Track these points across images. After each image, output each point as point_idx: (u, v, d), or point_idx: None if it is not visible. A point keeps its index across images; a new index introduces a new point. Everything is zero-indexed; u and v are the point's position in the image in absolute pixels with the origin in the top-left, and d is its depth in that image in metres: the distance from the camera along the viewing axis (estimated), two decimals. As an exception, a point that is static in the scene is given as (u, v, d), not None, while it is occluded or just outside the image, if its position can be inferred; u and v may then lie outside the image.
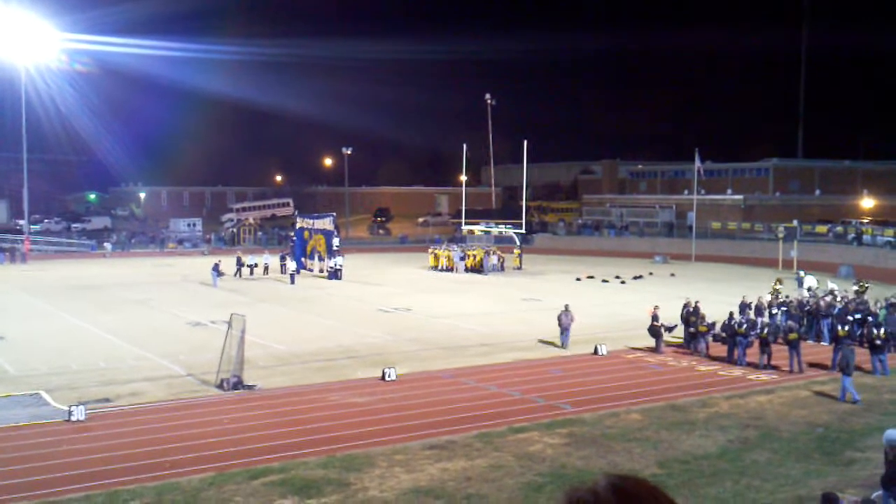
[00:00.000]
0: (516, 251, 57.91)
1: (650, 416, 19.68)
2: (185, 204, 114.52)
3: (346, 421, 19.08)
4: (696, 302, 28.92)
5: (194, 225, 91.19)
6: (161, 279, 50.83)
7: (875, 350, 24.38)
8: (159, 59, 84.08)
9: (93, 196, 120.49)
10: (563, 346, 28.62)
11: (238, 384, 22.01)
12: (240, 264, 51.35)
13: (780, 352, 25.47)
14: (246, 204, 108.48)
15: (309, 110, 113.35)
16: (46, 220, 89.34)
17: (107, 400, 20.91)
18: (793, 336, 24.69)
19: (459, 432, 18.22)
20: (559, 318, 29.04)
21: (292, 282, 47.97)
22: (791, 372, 24.20)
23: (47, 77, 71.42)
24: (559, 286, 43.33)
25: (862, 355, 25.85)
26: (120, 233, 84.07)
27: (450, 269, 56.00)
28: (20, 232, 72.20)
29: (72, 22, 71.73)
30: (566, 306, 29.44)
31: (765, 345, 25.28)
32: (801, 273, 42.23)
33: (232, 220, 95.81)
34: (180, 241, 79.88)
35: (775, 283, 37.53)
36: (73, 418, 18.72)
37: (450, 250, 58.04)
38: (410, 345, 29.04)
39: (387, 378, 23.03)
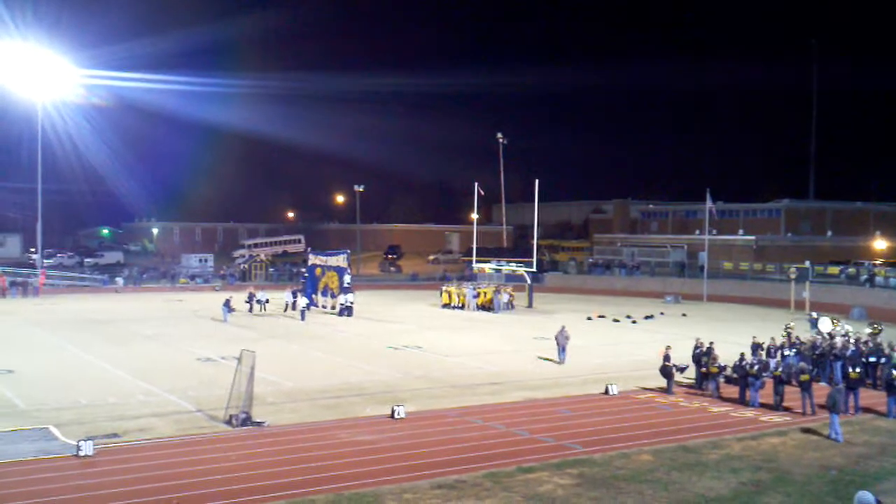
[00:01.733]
0: (508, 289, 57.60)
1: (661, 457, 19.49)
2: (197, 240, 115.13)
3: (355, 459, 18.95)
4: (710, 343, 28.76)
5: (206, 260, 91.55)
6: (172, 314, 50.91)
7: (891, 392, 24.14)
8: (174, 94, 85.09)
9: (106, 231, 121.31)
10: (561, 361, 33.72)
11: (247, 420, 21.93)
12: (251, 299, 51.38)
13: (792, 393, 25.25)
14: (258, 240, 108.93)
15: (321, 145, 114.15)
16: (59, 255, 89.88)
17: (115, 435, 20.86)
18: (804, 378, 24.49)
19: (468, 472, 18.07)
20: (556, 338, 34.30)
21: (303, 318, 47.94)
22: (804, 414, 23.97)
23: (63, 112, 72.27)
24: (570, 325, 43.02)
25: (876, 398, 25.64)
26: (132, 268, 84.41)
27: (461, 307, 55.93)
28: (33, 266, 72.57)
29: (88, 57, 72.68)
30: (563, 327, 34.84)
31: (778, 385, 25.09)
32: (815, 315, 41.96)
33: (243, 256, 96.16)
34: (192, 277, 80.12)
35: (788, 325, 37.29)
36: (81, 453, 18.66)
37: (462, 288, 58.02)
38: (419, 382, 28.92)
39: (395, 416, 22.91)
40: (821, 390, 26.35)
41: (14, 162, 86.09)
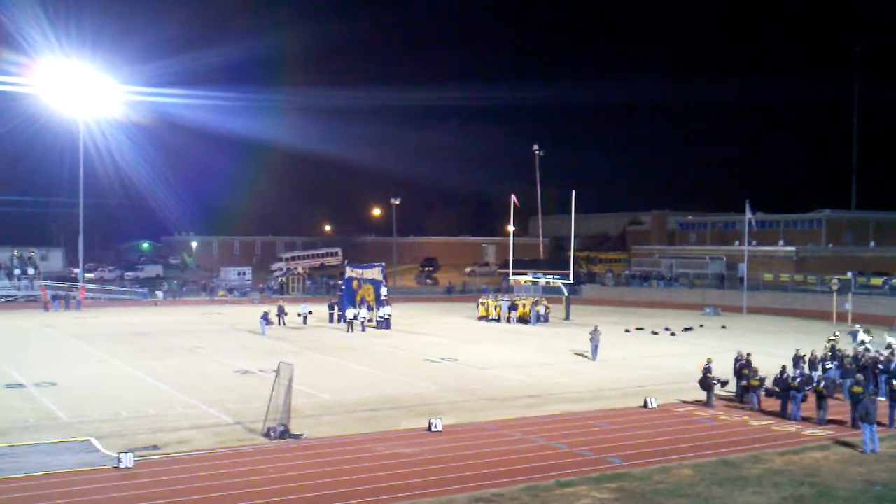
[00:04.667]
0: (544, 301, 57.35)
1: (702, 471, 19.23)
2: (236, 253, 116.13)
3: (392, 472, 18.92)
4: (749, 355, 28.39)
5: (244, 274, 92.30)
6: (211, 327, 51.33)
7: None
8: (213, 108, 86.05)
9: (146, 245, 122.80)
10: (593, 359, 37.42)
11: (284, 433, 22.01)
12: (280, 313, 51.64)
13: (835, 406, 24.80)
14: (295, 253, 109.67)
15: (358, 159, 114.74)
16: (100, 269, 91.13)
17: (155, 447, 21.03)
18: (857, 390, 23.97)
19: (506, 485, 17.95)
20: (590, 337, 38.04)
21: (350, 329, 48.47)
22: (853, 427, 23.45)
23: (104, 127, 73.33)
24: (608, 337, 42.74)
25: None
26: (171, 281, 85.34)
27: (497, 320, 55.79)
28: (74, 280, 73.62)
29: (129, 74, 73.77)
30: (595, 327, 38.62)
31: (821, 399, 24.67)
32: (857, 327, 41.27)
33: (281, 270, 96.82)
34: (230, 290, 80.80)
35: (831, 337, 36.70)
36: (122, 466, 18.83)
37: (498, 300, 57.89)
38: (456, 395, 28.85)
39: (433, 429, 22.87)
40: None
41: (56, 178, 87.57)
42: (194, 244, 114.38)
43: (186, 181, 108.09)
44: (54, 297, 64.71)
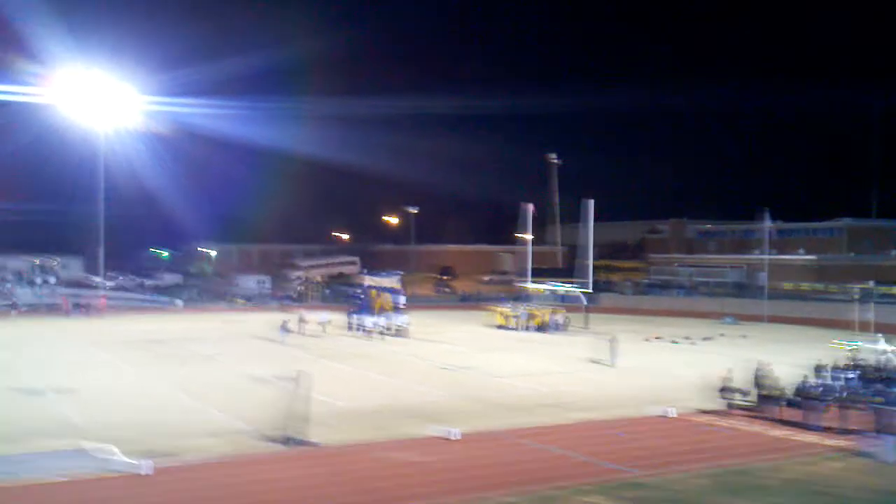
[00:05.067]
0: (562, 310, 57.25)
1: (719, 481, 19.09)
2: (254, 261, 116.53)
3: (407, 480, 18.91)
4: (769, 364, 28.18)
5: (263, 282, 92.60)
6: (229, 335, 51.53)
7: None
8: (232, 118, 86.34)
9: (165, 253, 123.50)
10: (613, 365, 38.25)
11: (301, 441, 22.04)
12: (302, 321, 51.79)
13: (855, 416, 24.57)
14: (313, 262, 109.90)
15: (376, 167, 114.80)
16: (120, 277, 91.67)
17: (172, 454, 21.10)
18: (878, 400, 23.76)
19: (522, 494, 17.89)
20: (609, 343, 39.27)
21: (368, 337, 48.60)
22: (874, 437, 23.20)
23: (124, 136, 73.84)
24: (626, 346, 42.63)
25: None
26: (191, 289, 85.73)
27: (515, 328, 55.68)
28: (94, 287, 74.13)
29: (149, 83, 74.26)
30: (613, 335, 40.37)
31: (842, 409, 24.45)
32: (877, 336, 40.88)
33: (300, 278, 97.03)
34: (249, 298, 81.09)
35: (852, 347, 36.37)
36: (140, 472, 18.91)
37: (514, 309, 57.81)
38: (473, 404, 28.80)
39: (449, 437, 22.83)
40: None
41: (77, 187, 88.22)
42: (214, 252, 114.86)
43: (206, 190, 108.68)
44: (74, 305, 65.18)
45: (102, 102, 65.87)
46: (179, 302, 75.72)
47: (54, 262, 78.89)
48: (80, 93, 64.69)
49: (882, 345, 34.83)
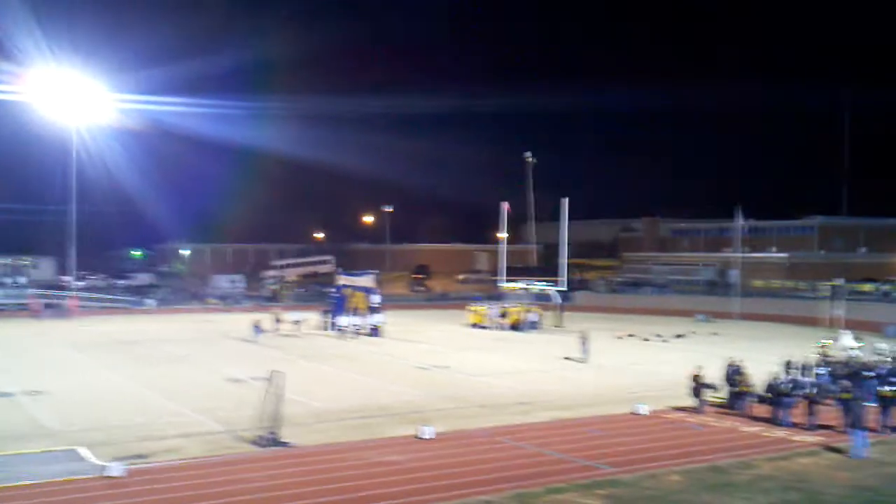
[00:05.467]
0: (536, 308, 57.47)
1: (691, 477, 19.25)
2: (228, 261, 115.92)
3: (382, 480, 18.90)
4: (740, 361, 28.44)
5: (236, 282, 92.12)
6: (202, 335, 51.25)
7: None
8: (205, 116, 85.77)
9: (138, 253, 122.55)
10: (585, 361, 39.13)
11: (275, 441, 21.97)
12: (277, 321, 51.58)
13: (824, 412, 24.86)
14: (288, 261, 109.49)
15: (350, 167, 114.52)
16: (92, 277, 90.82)
17: (144, 456, 20.96)
18: (846, 396, 24.03)
19: (496, 492, 17.94)
20: (580, 339, 40.40)
21: (341, 337, 48.43)
22: (842, 433, 23.50)
23: (96, 135, 73.16)
24: (599, 344, 42.88)
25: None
26: (163, 289, 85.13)
27: (489, 327, 55.77)
28: (65, 288, 73.41)
29: (121, 81, 73.62)
30: (584, 331, 41.20)
31: (811, 405, 24.72)
32: (842, 332, 41.42)
33: (274, 278, 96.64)
34: (223, 298, 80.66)
35: (822, 343, 36.80)
36: (111, 474, 18.77)
37: (489, 308, 57.93)
38: (447, 403, 28.84)
39: (423, 436, 22.85)
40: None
41: (48, 186, 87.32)
42: (186, 252, 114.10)
43: (179, 189, 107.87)
44: (45, 306, 64.52)
45: (75, 101, 65.22)
46: (152, 302, 75.15)
47: (25, 262, 78.01)
48: (53, 91, 64.03)
49: (851, 341, 35.29)
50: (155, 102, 75.41)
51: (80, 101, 65.53)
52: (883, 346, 35.35)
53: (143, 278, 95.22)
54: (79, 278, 79.39)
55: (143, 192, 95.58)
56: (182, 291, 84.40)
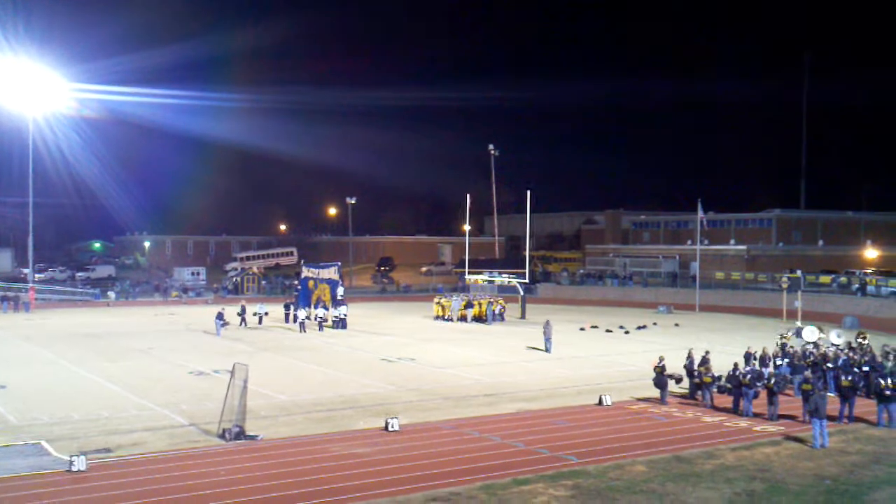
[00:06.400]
0: (500, 300, 57.66)
1: (655, 467, 19.48)
2: (189, 253, 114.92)
3: (348, 472, 18.90)
4: (704, 353, 28.76)
5: (198, 274, 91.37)
6: (164, 328, 50.77)
7: (882, 401, 24.16)
8: (165, 107, 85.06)
9: (98, 245, 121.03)
10: (548, 350, 39.28)
11: (240, 434, 21.86)
12: (243, 313, 51.23)
13: (786, 402, 25.27)
14: (250, 253, 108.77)
15: (313, 158, 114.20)
16: (51, 269, 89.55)
17: (107, 450, 20.76)
18: (806, 387, 24.44)
19: (463, 484, 18.02)
20: (544, 330, 40.12)
21: (302, 330, 48.08)
22: (804, 423, 23.91)
23: (54, 126, 72.11)
24: (563, 336, 43.16)
25: (868, 406, 25.63)
26: (124, 281, 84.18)
27: (453, 319, 55.86)
28: (24, 280, 72.32)
29: (79, 71, 72.62)
30: (547, 321, 40.79)
31: (772, 395, 25.11)
32: (800, 325, 42.06)
33: (236, 270, 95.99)
34: (184, 290, 79.93)
35: (782, 334, 37.36)
36: (74, 468, 18.57)
37: (453, 300, 58.00)
38: (413, 395, 28.88)
39: (389, 429, 22.87)
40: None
41: (5, 176, 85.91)
42: (147, 244, 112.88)
43: (139, 180, 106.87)
44: (3, 299, 63.48)
45: (32, 91, 64.14)
46: (112, 294, 74.26)
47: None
48: (9, 81, 62.90)
49: (813, 333, 35.81)
50: (115, 93, 74.59)
51: (38, 91, 64.46)
52: (838, 337, 35.92)
53: (103, 270, 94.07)
54: (38, 270, 78.27)
55: (102, 183, 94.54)
56: (143, 284, 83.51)
